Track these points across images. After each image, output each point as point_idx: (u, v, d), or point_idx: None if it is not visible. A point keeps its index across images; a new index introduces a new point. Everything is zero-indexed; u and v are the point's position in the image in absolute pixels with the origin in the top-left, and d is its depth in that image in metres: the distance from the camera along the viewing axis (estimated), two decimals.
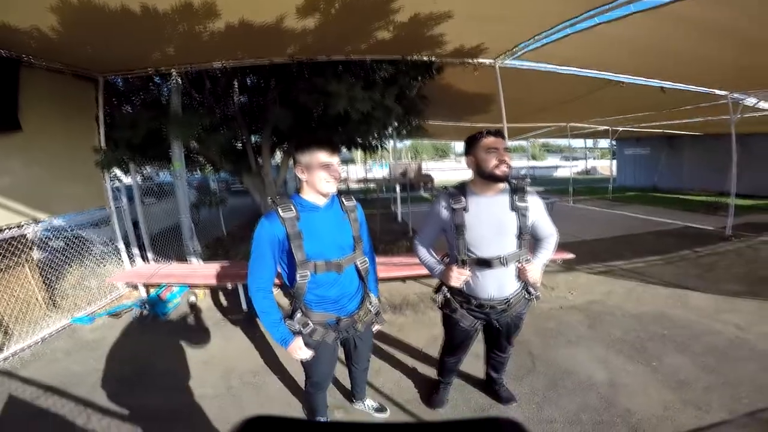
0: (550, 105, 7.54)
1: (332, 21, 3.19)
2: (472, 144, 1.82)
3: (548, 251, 2.00)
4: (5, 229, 3.35)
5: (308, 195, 1.67)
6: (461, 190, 1.88)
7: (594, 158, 31.28)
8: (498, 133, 1.77)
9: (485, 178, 1.78)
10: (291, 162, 2.09)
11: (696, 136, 12.88)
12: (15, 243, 3.49)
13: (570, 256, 4.27)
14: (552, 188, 14.53)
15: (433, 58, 4.49)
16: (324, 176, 1.60)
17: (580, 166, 28.80)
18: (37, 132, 3.61)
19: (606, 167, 23.35)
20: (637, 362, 2.78)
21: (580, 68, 4.82)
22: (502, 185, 1.83)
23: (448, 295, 2.01)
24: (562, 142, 16.48)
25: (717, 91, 5.92)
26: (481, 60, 4.56)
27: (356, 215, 1.82)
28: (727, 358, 2.79)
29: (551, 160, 37.83)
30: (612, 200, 12.12)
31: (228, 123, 5.31)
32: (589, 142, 27.00)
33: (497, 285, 1.87)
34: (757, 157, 11.72)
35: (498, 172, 1.73)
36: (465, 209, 1.82)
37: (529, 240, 1.90)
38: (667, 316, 3.52)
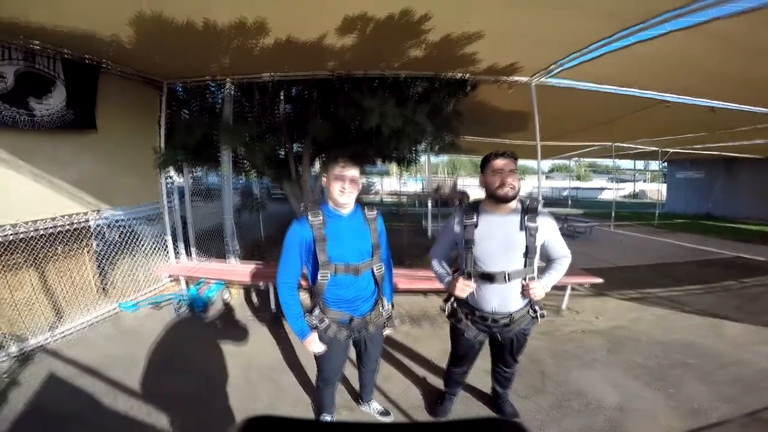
0: (592, 124, 7.38)
1: (368, 39, 3.41)
2: (483, 165, 1.95)
3: (558, 272, 2.05)
4: (74, 216, 3.75)
5: (331, 204, 1.88)
6: (474, 207, 2.00)
7: (644, 181, 29.71)
8: (507, 155, 1.87)
9: (491, 197, 1.90)
10: None
11: (756, 159, 11.97)
12: (79, 230, 3.89)
13: (598, 280, 4.19)
14: (593, 211, 13.97)
15: (467, 76, 4.60)
16: (338, 187, 1.80)
17: (627, 188, 27.49)
18: (107, 131, 4.05)
19: (655, 191, 22.15)
20: (653, 389, 2.71)
21: (620, 87, 4.73)
22: (514, 205, 1.93)
23: (455, 305, 2.12)
24: (610, 162, 15.83)
25: None
26: (516, 78, 4.61)
27: (376, 225, 1.98)
28: (752, 390, 2.67)
29: (597, 181, 36.34)
30: (657, 227, 11.50)
31: (273, 132, 5.65)
32: (640, 164, 25.73)
33: (500, 299, 1.95)
34: None
35: (500, 193, 1.84)
36: (475, 225, 1.94)
37: (537, 260, 1.96)
38: (695, 344, 3.38)
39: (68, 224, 3.69)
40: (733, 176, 13.75)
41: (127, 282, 4.57)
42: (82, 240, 4.01)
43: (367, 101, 4.06)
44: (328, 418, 2.26)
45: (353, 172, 1.83)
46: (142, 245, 4.75)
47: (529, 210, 1.90)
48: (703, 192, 15.10)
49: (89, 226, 4.06)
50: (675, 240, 8.96)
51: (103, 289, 4.44)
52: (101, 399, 2.65)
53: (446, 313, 2.17)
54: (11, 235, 3.22)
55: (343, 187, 1.80)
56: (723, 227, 11.29)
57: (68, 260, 3.94)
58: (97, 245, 4.35)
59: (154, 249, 4.93)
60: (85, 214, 3.90)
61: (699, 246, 8.04)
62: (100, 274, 4.40)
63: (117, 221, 4.44)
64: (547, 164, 38.23)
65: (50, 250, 3.60)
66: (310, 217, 1.81)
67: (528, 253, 1.88)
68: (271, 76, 4.74)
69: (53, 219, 3.54)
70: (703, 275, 5.75)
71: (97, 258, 4.32)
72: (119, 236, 4.45)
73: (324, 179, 1.89)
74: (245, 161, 6.03)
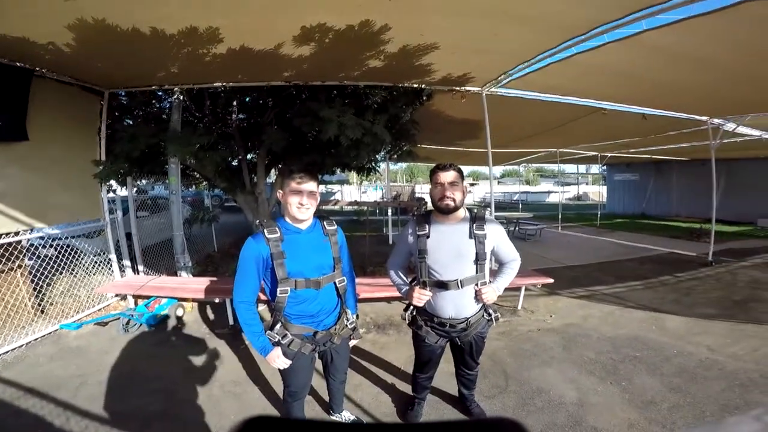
0: (538, 131, 7.79)
1: (326, 49, 3.40)
2: (430, 177, 2.01)
3: (509, 275, 2.15)
4: (2, 236, 3.43)
5: (288, 218, 1.83)
6: (426, 218, 2.07)
7: (586, 183, 31.74)
8: (446, 168, 1.95)
9: (435, 209, 1.99)
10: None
11: (684, 161, 13.15)
12: (10, 249, 3.56)
13: (549, 280, 4.41)
14: (542, 214, 14.72)
15: (423, 86, 4.72)
16: (295, 202, 1.76)
17: (572, 191, 29.20)
18: (41, 141, 3.71)
19: (597, 193, 23.70)
20: (607, 383, 2.88)
21: (563, 95, 5.04)
22: (462, 214, 2.02)
23: (415, 313, 2.17)
24: (556, 167, 16.77)
25: (697, 117, 6.11)
26: (468, 88, 4.79)
27: (337, 238, 1.96)
28: (695, 379, 2.90)
29: (545, 185, 38.33)
30: (599, 227, 12.32)
31: (225, 141, 5.46)
32: (583, 168, 27.47)
33: (455, 306, 2.02)
34: (741, 183, 11.94)
35: (441, 205, 1.94)
36: (427, 236, 2.00)
37: (488, 265, 2.05)
38: (641, 338, 3.63)
39: None
40: (664, 177, 14.99)
41: (67, 300, 4.25)
42: (14, 259, 3.66)
43: (325, 111, 4.04)
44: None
45: (311, 185, 1.78)
46: (83, 262, 4.41)
47: (476, 218, 1.98)
48: (638, 193, 16.38)
49: (20, 245, 3.72)
50: (616, 239, 9.63)
51: (40, 307, 4.11)
52: (51, 420, 2.45)
53: (407, 321, 2.22)
54: None
55: (301, 202, 1.75)
56: (657, 225, 12.33)
57: None
58: (31, 264, 4.00)
59: (97, 266, 4.60)
60: (16, 233, 3.57)
61: (637, 243, 8.69)
62: (36, 293, 4.05)
63: (53, 238, 4.10)
64: (498, 170, 39.99)
65: None
66: (266, 233, 1.73)
67: (478, 260, 1.96)
68: (224, 85, 4.60)
69: None
70: (642, 271, 6.24)
71: (32, 277, 3.98)
72: (56, 254, 4.11)
73: (280, 193, 1.82)
74: (195, 172, 5.79)
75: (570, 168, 23.75)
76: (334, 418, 2.50)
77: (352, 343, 2.20)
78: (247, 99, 5.74)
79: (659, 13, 2.71)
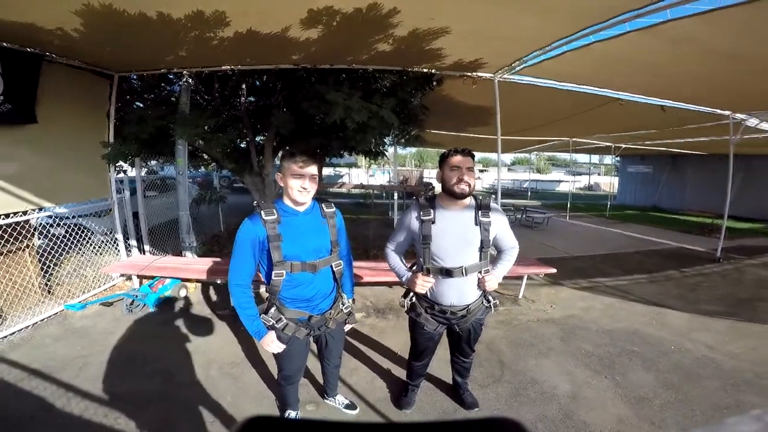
0: (551, 119, 7.65)
1: (334, 32, 3.34)
2: (441, 161, 1.98)
3: (509, 263, 2.14)
4: (11, 215, 3.50)
5: (287, 201, 1.83)
6: (431, 202, 2.02)
7: (598, 174, 31.24)
8: (465, 152, 1.91)
9: (447, 193, 1.95)
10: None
11: (700, 156, 12.89)
12: (18, 229, 3.63)
13: (552, 270, 4.39)
14: (551, 203, 14.57)
15: (433, 71, 4.64)
16: (296, 185, 1.75)
17: (583, 181, 28.79)
18: (50, 124, 3.75)
19: (608, 184, 23.31)
20: (602, 376, 2.90)
21: (579, 84, 4.91)
22: (468, 201, 1.98)
23: (414, 300, 2.16)
24: (568, 156, 16.51)
25: (719, 111, 5.95)
26: (480, 74, 4.69)
27: (335, 221, 1.95)
28: (690, 376, 2.91)
29: (556, 174, 37.84)
30: (609, 218, 12.17)
31: (234, 123, 5.47)
32: (595, 158, 27.01)
33: (458, 293, 2.01)
34: (759, 179, 11.65)
35: (456, 189, 1.89)
36: (432, 221, 1.96)
37: (491, 252, 2.04)
38: (640, 333, 3.63)
39: (4, 224, 3.44)
40: (679, 171, 14.72)
41: (74, 280, 4.34)
42: (22, 239, 3.74)
43: (332, 94, 4.00)
44: (292, 413, 2.26)
45: (312, 168, 1.77)
46: (91, 242, 4.50)
47: (482, 206, 1.97)
48: (651, 185, 16.11)
49: (29, 224, 3.80)
50: (624, 230, 9.53)
51: (48, 288, 4.20)
52: (53, 402, 2.52)
53: (405, 308, 2.21)
54: None
55: (303, 186, 1.75)
56: (668, 218, 12.13)
57: (7, 259, 3.68)
58: (41, 243, 4.08)
59: (104, 245, 4.69)
60: (25, 213, 3.64)
61: (646, 236, 8.60)
62: (44, 273, 4.14)
63: (62, 218, 4.18)
64: (509, 157, 39.43)
65: None
66: (263, 215, 1.73)
67: (483, 247, 1.95)
68: (232, 69, 4.58)
69: None
70: (648, 265, 6.18)
71: (40, 257, 4.06)
72: (65, 232, 4.20)
73: (279, 176, 1.81)
74: (203, 153, 5.82)
75: (582, 158, 23.39)
76: (327, 401, 2.57)
77: (347, 327, 2.21)
78: (258, 83, 5.72)
79: (686, 2, 2.61)
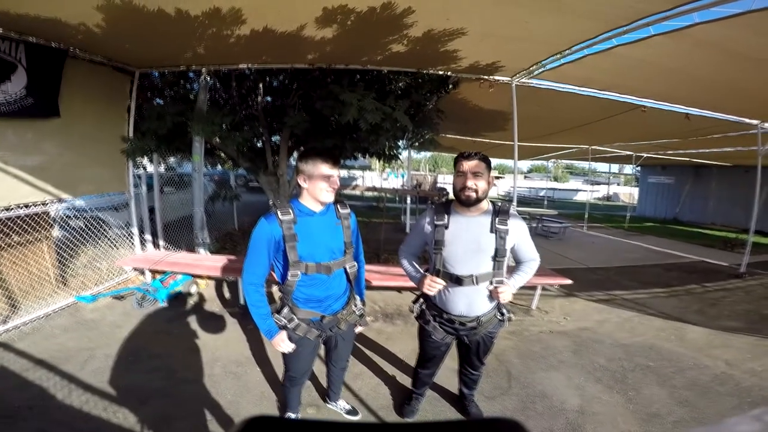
0: (570, 126, 7.48)
1: (348, 31, 3.33)
2: (454, 165, 1.91)
3: (526, 275, 2.04)
4: (30, 205, 3.56)
5: (306, 201, 1.80)
6: (446, 207, 1.95)
7: (618, 184, 30.58)
8: (472, 156, 1.82)
9: (456, 198, 1.88)
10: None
11: (725, 167, 12.43)
12: (37, 219, 3.70)
13: (568, 281, 4.26)
14: (567, 212, 14.29)
15: (449, 73, 4.59)
16: (325, 187, 1.73)
17: (601, 191, 28.22)
18: (72, 117, 3.83)
19: (628, 194, 22.81)
20: (613, 392, 2.78)
21: (599, 90, 4.78)
22: (485, 206, 1.90)
23: (424, 306, 2.10)
24: (587, 165, 16.19)
25: (747, 120, 5.73)
26: (497, 77, 4.61)
27: (349, 222, 1.93)
28: (707, 393, 2.77)
29: (573, 183, 37.22)
30: (627, 229, 11.83)
31: (250, 122, 5.52)
32: (615, 167, 26.46)
33: (467, 302, 1.93)
34: None
35: (462, 196, 1.82)
36: (446, 226, 1.90)
37: (507, 262, 1.94)
38: (657, 348, 3.48)
39: (24, 214, 3.50)
40: (702, 182, 14.24)
41: (88, 272, 4.41)
42: (40, 229, 3.81)
43: (346, 95, 3.99)
44: (292, 416, 2.23)
45: (337, 170, 1.77)
46: (107, 234, 4.57)
47: (500, 212, 1.87)
48: (672, 197, 15.62)
49: (48, 215, 3.87)
50: (644, 243, 9.23)
51: (63, 279, 4.27)
52: (54, 393, 2.54)
53: (415, 314, 2.15)
54: None
55: (330, 187, 1.74)
56: (689, 231, 11.74)
57: (25, 249, 3.75)
58: (59, 235, 4.16)
59: (120, 239, 4.76)
60: (44, 204, 3.70)
61: (666, 249, 8.32)
62: (60, 263, 4.21)
63: (80, 210, 4.25)
64: (526, 164, 38.96)
65: (4, 239, 3.42)
66: (279, 215, 1.72)
67: (497, 256, 1.85)
68: (249, 67, 4.63)
69: (7, 209, 3.34)
70: (667, 278, 5.96)
71: (57, 247, 4.13)
72: (83, 225, 4.27)
73: (302, 176, 1.76)
74: (220, 151, 5.89)
75: (602, 167, 22.93)
76: (329, 406, 2.52)
77: (358, 329, 2.18)
78: (274, 83, 5.77)
79: (714, 5, 2.49)
